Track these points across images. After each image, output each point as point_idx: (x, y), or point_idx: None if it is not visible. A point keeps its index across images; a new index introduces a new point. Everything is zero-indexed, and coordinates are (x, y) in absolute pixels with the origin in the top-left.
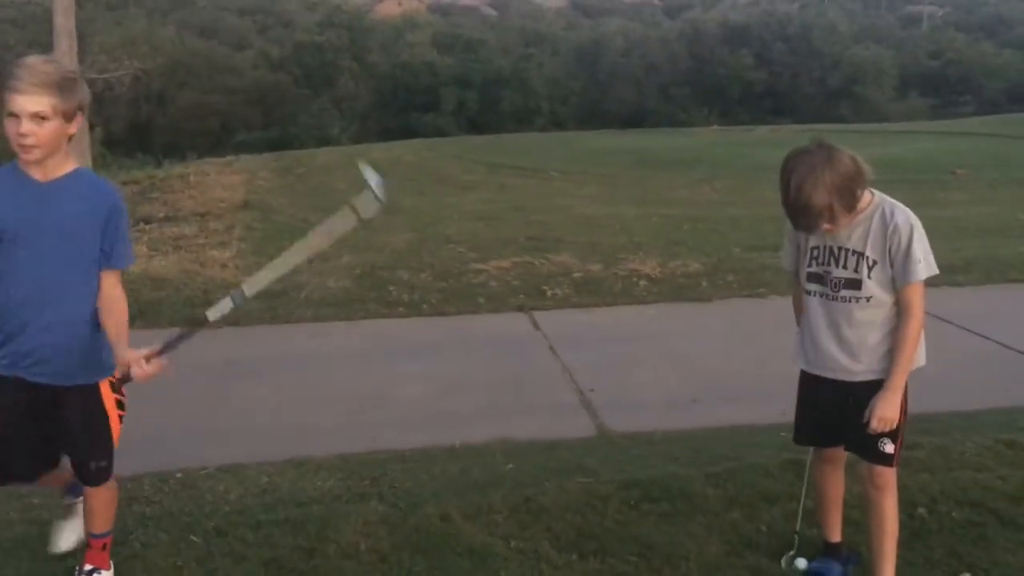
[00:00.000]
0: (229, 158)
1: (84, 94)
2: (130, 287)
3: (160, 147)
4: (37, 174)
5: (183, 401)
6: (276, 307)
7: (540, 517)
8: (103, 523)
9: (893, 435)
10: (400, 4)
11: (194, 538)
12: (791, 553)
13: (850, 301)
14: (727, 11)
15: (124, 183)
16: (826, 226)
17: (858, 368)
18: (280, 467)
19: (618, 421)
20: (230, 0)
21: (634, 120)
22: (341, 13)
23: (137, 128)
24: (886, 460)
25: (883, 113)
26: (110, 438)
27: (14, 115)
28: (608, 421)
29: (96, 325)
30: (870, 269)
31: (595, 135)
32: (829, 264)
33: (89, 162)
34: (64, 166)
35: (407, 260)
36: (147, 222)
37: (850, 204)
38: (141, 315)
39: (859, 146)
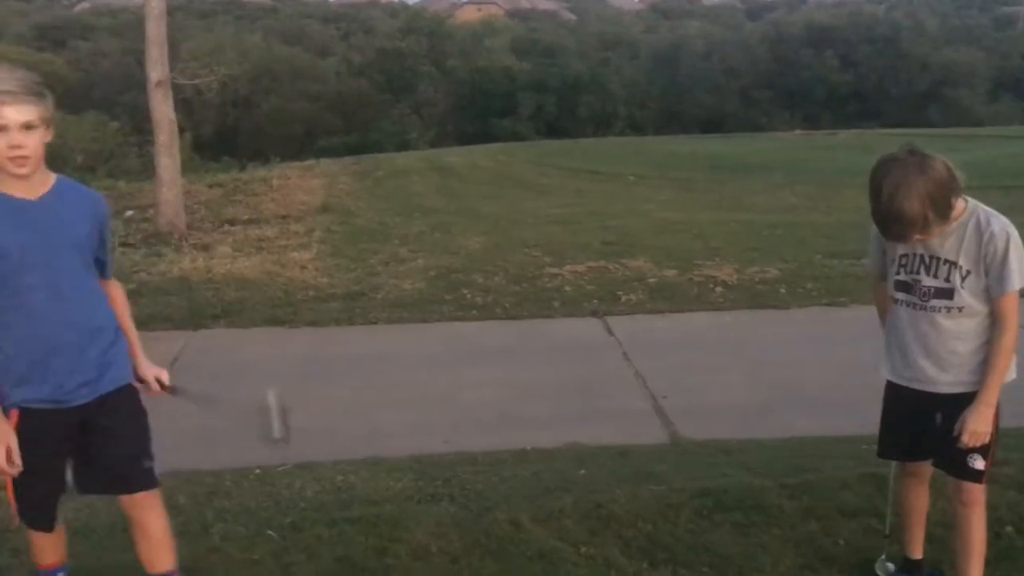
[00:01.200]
0: (310, 162)
1: (53, 102)
2: (214, 287)
3: (245, 151)
4: (25, 192)
5: (262, 398)
6: (353, 308)
7: (611, 524)
8: (168, 552)
9: (984, 451)
10: (479, 9)
11: (270, 533)
12: (882, 557)
13: (940, 311)
14: (812, 12)
15: (210, 186)
16: (918, 236)
17: (945, 379)
18: (355, 466)
19: (691, 429)
20: (315, 8)
21: (714, 124)
22: (421, 19)
23: (224, 132)
24: (975, 476)
25: (975, 116)
26: (150, 436)
27: (2, 128)
28: (681, 428)
29: (116, 328)
30: (963, 279)
31: (673, 139)
32: (919, 272)
33: (179, 166)
34: (47, 179)
35: (482, 263)
36: (231, 224)
37: (944, 213)
38: (225, 314)
39: (949, 150)
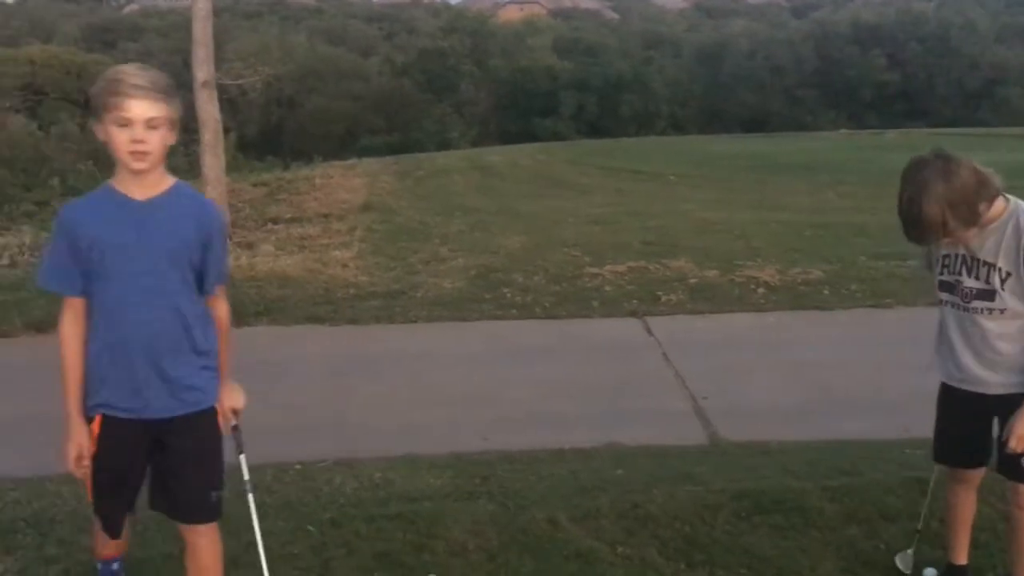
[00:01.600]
0: (352, 161)
1: (180, 105)
2: (257, 285)
3: (289, 150)
4: (136, 192)
5: (303, 396)
6: (393, 306)
7: (648, 524)
8: None
9: None
10: (522, 9)
11: (310, 528)
12: (909, 551)
13: (982, 312)
14: (858, 10)
15: (254, 185)
16: (945, 239)
17: (995, 380)
18: (394, 463)
19: (731, 430)
20: (358, 8)
21: (757, 124)
22: (464, 19)
23: (268, 132)
24: None
25: None
26: (223, 465)
27: (126, 122)
28: (721, 430)
29: (203, 347)
30: (1003, 281)
31: (716, 139)
32: (960, 273)
33: (224, 165)
34: (163, 182)
35: (522, 263)
36: (274, 222)
37: (968, 219)
38: (267, 312)
39: (998, 150)
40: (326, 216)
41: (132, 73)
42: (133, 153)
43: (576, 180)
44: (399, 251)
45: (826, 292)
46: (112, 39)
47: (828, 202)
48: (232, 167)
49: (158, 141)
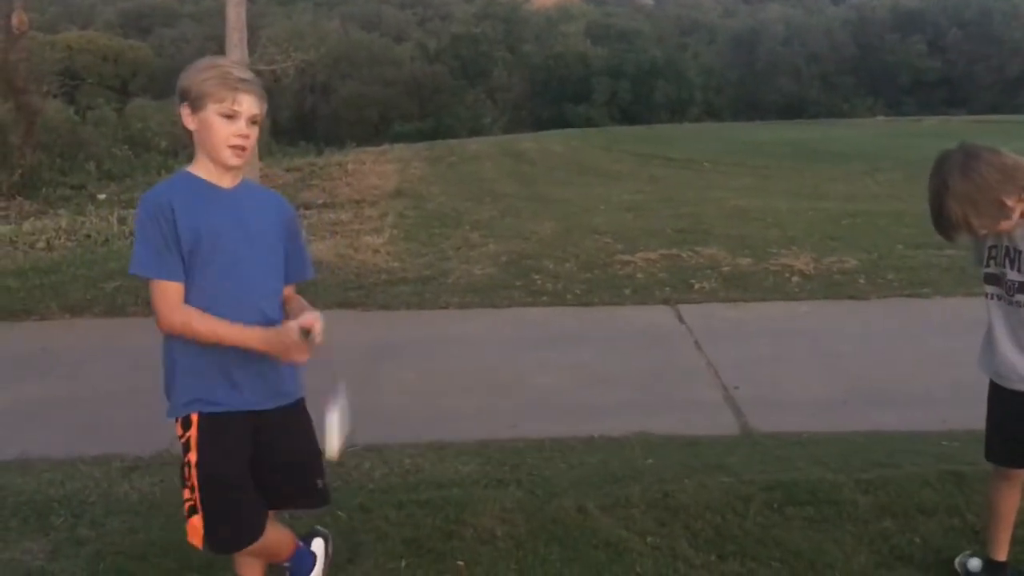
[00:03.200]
0: (384, 147)
1: None
2: None
3: (322, 136)
4: (223, 181)
5: (334, 380)
6: (424, 292)
7: (678, 514)
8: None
9: None
10: None
11: (340, 513)
12: (967, 552)
13: None
14: None
15: (287, 170)
16: (983, 232)
17: None
18: (422, 449)
19: (763, 420)
20: None
21: (793, 110)
22: (497, 5)
23: (302, 118)
24: None
25: None
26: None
27: (233, 115)
28: (752, 420)
29: None
30: None
31: (751, 126)
32: (1004, 265)
33: (257, 150)
34: (239, 177)
35: (553, 250)
36: (307, 208)
37: (994, 214)
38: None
39: None
40: (358, 202)
41: (237, 67)
42: (234, 147)
43: (608, 167)
44: (430, 237)
45: (862, 281)
46: (148, 25)
47: (865, 190)
48: (265, 152)
49: (254, 138)
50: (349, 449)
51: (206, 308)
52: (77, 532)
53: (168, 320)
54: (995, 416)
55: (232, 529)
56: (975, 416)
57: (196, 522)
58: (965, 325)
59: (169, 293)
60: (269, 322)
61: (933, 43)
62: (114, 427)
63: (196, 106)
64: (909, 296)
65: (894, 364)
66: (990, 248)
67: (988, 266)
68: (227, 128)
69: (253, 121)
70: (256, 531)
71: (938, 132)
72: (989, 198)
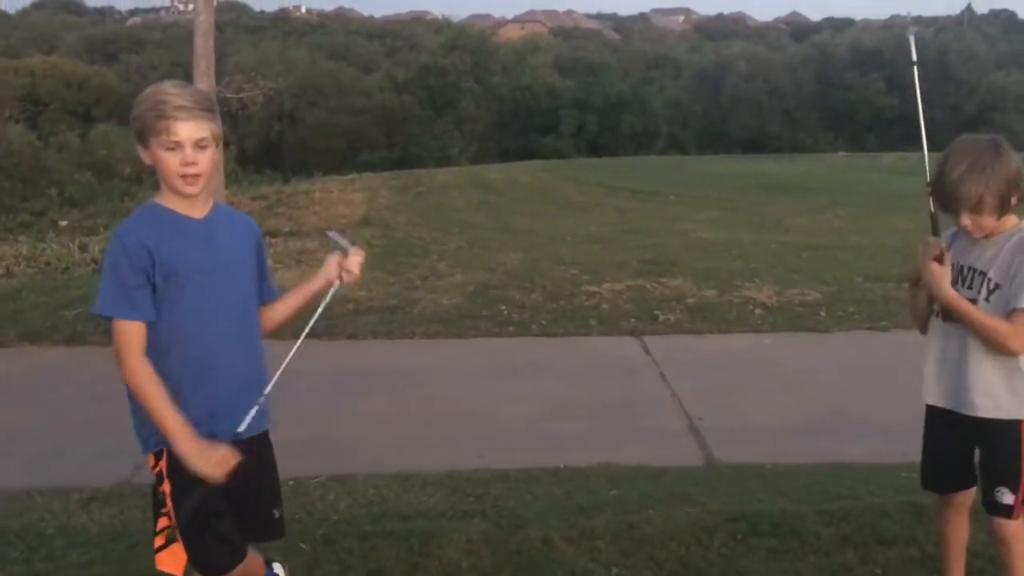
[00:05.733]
0: (352, 176)
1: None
2: None
3: (289, 164)
4: (191, 211)
5: (298, 411)
6: (390, 321)
7: (643, 545)
8: None
9: (1014, 484)
10: (523, 27)
11: (303, 545)
12: None
13: (964, 326)
14: (858, 34)
15: (253, 198)
16: (966, 220)
17: (972, 401)
18: (388, 480)
19: (727, 452)
20: (360, 24)
21: (756, 145)
22: (465, 36)
23: (268, 146)
24: (1004, 512)
25: None
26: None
27: (174, 146)
28: (717, 451)
29: (264, 368)
30: (990, 292)
31: (715, 159)
32: (956, 283)
33: (223, 178)
34: (209, 201)
35: (519, 280)
36: (273, 236)
37: (999, 203)
38: None
39: None
40: (325, 231)
41: (174, 93)
42: (185, 177)
43: (575, 198)
44: (397, 266)
45: (823, 314)
46: (114, 51)
47: (826, 224)
48: (231, 180)
49: (208, 161)
50: (313, 480)
51: (178, 341)
52: (34, 566)
53: (126, 366)
54: (928, 439)
55: (219, 552)
56: None
57: (177, 549)
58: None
59: (133, 335)
60: (241, 351)
61: (891, 81)
62: (73, 458)
63: (142, 142)
64: (869, 329)
65: (855, 396)
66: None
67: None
68: (172, 160)
69: (201, 145)
70: (242, 552)
71: (897, 168)
72: (1009, 185)
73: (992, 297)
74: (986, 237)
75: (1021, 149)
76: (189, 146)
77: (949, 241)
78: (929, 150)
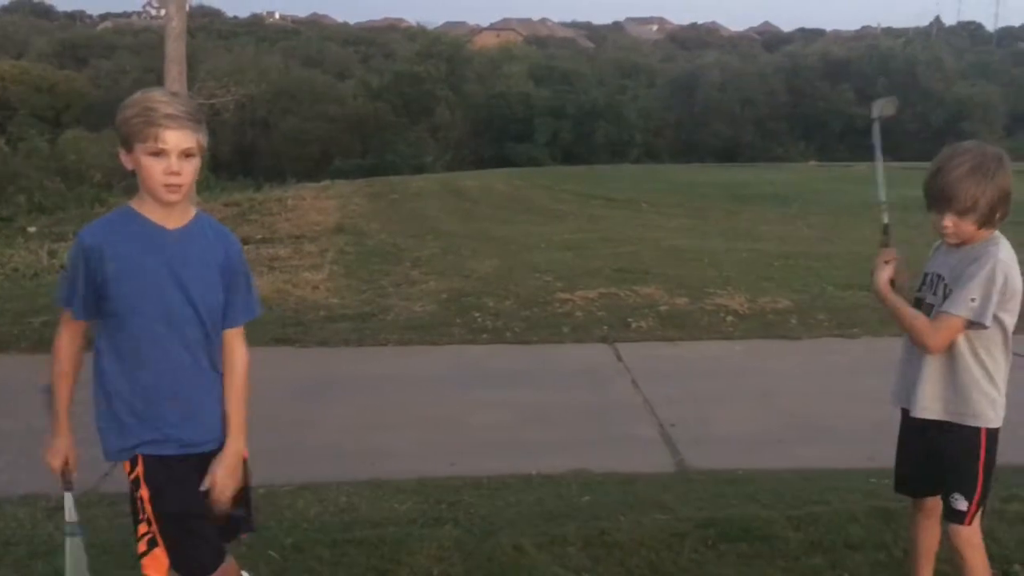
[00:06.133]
0: (325, 183)
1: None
2: None
3: (262, 171)
4: (165, 220)
5: (269, 418)
6: (363, 329)
7: (614, 551)
8: None
9: (967, 490)
10: (498, 35)
11: (272, 553)
12: None
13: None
14: (828, 45)
15: (225, 205)
16: (948, 221)
17: (921, 403)
18: (359, 487)
19: (699, 458)
20: (335, 30)
21: (729, 154)
22: (440, 44)
23: (241, 152)
24: (957, 518)
25: None
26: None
27: (160, 153)
28: (688, 457)
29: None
30: (944, 296)
31: (688, 168)
32: (922, 288)
33: (194, 185)
34: (188, 212)
35: (493, 287)
36: (245, 243)
37: (987, 214)
38: None
39: None
40: (298, 238)
41: (164, 101)
42: (168, 186)
43: (549, 206)
44: (371, 274)
45: (794, 321)
46: (85, 56)
47: (797, 232)
48: (203, 187)
49: (191, 171)
50: (283, 488)
51: (135, 349)
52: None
53: (54, 346)
54: (899, 443)
55: (200, 555)
56: None
57: (160, 555)
58: (890, 365)
59: (66, 326)
60: (201, 366)
61: (861, 91)
62: (39, 466)
63: (127, 147)
64: (839, 336)
65: (825, 402)
66: (924, 275)
67: (919, 291)
68: (157, 166)
69: (187, 155)
70: (221, 553)
71: (867, 178)
72: (999, 196)
73: (945, 302)
74: (959, 246)
75: None
76: (175, 155)
77: (932, 253)
78: (898, 159)
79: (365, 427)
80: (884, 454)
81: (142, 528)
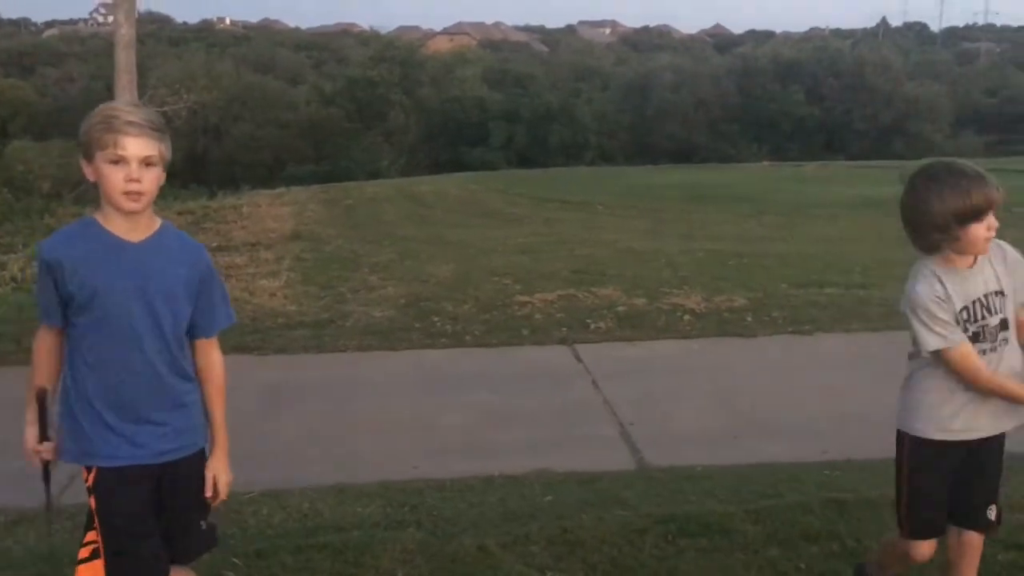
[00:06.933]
0: (280, 190)
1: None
2: None
3: (215, 178)
4: (129, 233)
5: (230, 426)
6: (322, 335)
7: (577, 549)
8: None
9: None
10: (451, 39)
11: (236, 560)
12: None
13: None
14: (778, 46)
15: (179, 213)
16: (995, 222)
17: (1005, 419)
18: (322, 493)
19: (658, 455)
20: (286, 36)
21: (683, 155)
22: (393, 48)
23: (193, 160)
24: (995, 527)
25: (938, 150)
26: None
27: (120, 160)
28: (648, 455)
29: (189, 399)
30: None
31: (643, 170)
32: (981, 317)
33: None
34: (153, 223)
35: (452, 291)
36: None
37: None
38: None
39: None
40: (253, 245)
41: (126, 110)
42: (128, 194)
43: (505, 209)
44: (328, 280)
45: (749, 319)
46: (31, 64)
47: (751, 232)
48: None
49: (153, 180)
50: (245, 495)
51: (98, 360)
52: None
53: (36, 346)
54: (928, 484)
55: (137, 574)
56: (854, 446)
57: (98, 566)
58: (843, 361)
59: (42, 338)
60: (164, 378)
61: (811, 92)
62: None
63: (87, 156)
64: (793, 333)
65: (779, 398)
66: (963, 308)
67: (969, 326)
68: (116, 174)
69: (147, 163)
70: (161, 574)
71: (818, 177)
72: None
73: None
74: (973, 261)
75: (934, 156)
76: (135, 162)
77: (939, 294)
78: (847, 157)
79: (327, 433)
80: (837, 448)
81: (90, 535)
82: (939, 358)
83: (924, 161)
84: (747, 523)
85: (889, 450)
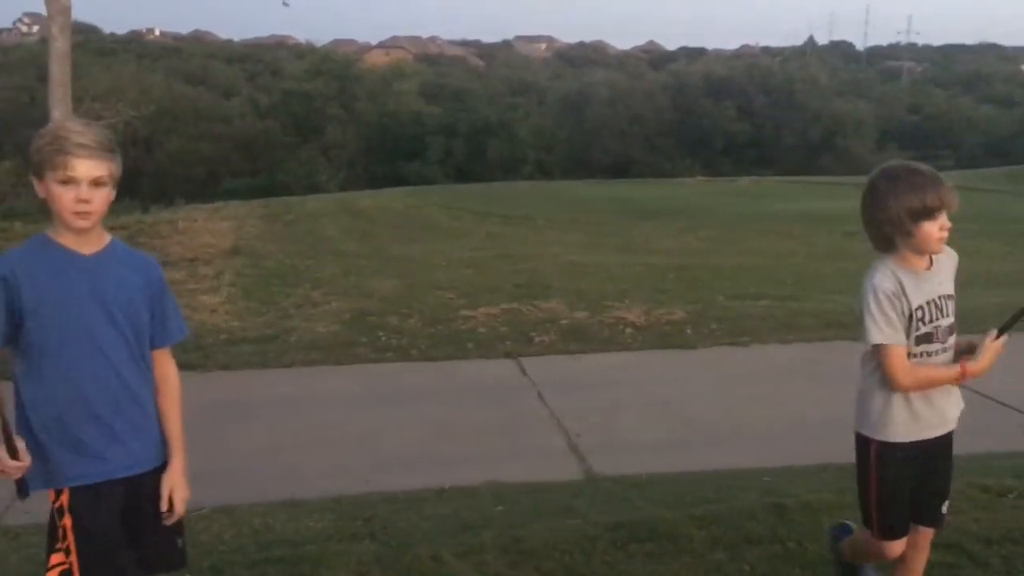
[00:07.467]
0: (218, 204)
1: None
2: None
3: (147, 193)
4: (81, 246)
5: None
6: (266, 351)
7: (529, 557)
8: None
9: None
10: (388, 53)
11: None
12: None
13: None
14: (710, 63)
15: (111, 228)
16: (948, 223)
17: (955, 413)
18: (274, 508)
19: (605, 465)
20: (219, 48)
21: (620, 170)
22: (329, 62)
23: (125, 173)
24: (945, 520)
25: (864, 165)
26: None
27: (70, 181)
28: (595, 465)
29: (150, 408)
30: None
31: (581, 184)
32: (935, 318)
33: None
34: (102, 238)
35: (396, 306)
36: None
37: (872, 238)
38: None
39: (840, 197)
40: (192, 260)
41: (76, 130)
42: (77, 213)
43: (447, 224)
44: (270, 295)
45: (688, 331)
46: None
47: (688, 245)
48: None
49: (103, 200)
50: (194, 513)
51: (60, 375)
52: None
53: None
54: (895, 486)
55: None
56: (792, 452)
57: None
58: (779, 370)
59: None
60: (128, 388)
61: (742, 108)
62: None
63: (38, 174)
64: (730, 344)
65: (719, 408)
66: (919, 307)
67: (921, 326)
68: (66, 194)
69: (97, 183)
70: None
71: (750, 192)
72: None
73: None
74: (929, 262)
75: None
76: (85, 183)
77: (893, 290)
78: (777, 172)
79: (276, 448)
80: (777, 454)
81: (56, 558)
82: (876, 353)
83: (889, 163)
84: (693, 528)
85: (825, 455)
